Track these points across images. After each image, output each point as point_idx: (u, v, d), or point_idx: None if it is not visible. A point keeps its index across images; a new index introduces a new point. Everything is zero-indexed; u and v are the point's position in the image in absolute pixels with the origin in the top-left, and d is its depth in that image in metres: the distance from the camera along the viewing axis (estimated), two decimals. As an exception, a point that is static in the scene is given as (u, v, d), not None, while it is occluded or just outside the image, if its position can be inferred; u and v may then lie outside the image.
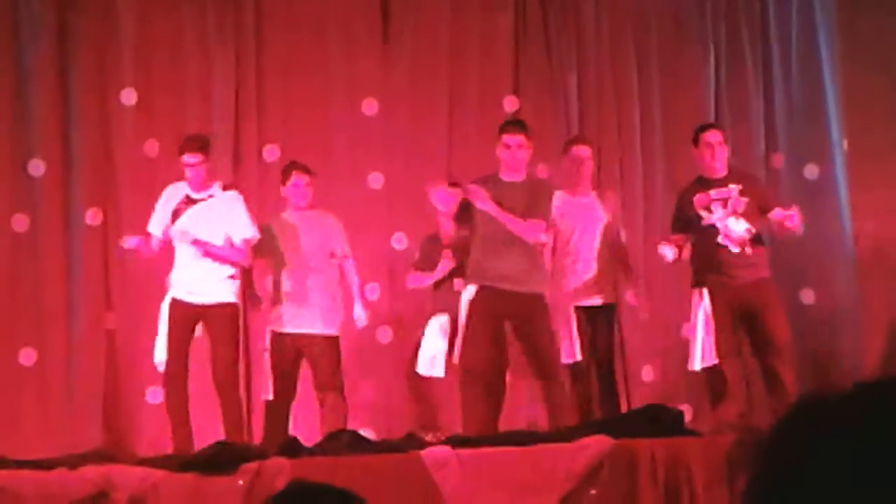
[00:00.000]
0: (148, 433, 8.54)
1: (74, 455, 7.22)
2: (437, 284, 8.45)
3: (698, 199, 7.85)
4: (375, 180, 9.28)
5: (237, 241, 7.82)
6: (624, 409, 8.67)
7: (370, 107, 9.33)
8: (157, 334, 7.83)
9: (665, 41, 9.75)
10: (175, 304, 7.77)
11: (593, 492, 6.62)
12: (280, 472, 6.32)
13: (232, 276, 7.84)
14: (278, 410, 7.97)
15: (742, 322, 7.82)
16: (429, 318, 8.56)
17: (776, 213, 7.93)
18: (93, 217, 8.84)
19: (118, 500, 6.32)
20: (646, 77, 9.69)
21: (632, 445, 6.73)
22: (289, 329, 7.99)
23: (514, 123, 7.97)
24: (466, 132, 9.44)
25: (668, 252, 7.93)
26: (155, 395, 8.57)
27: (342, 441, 7.11)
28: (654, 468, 6.66)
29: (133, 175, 8.84)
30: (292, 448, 6.88)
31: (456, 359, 7.67)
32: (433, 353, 8.32)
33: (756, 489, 1.26)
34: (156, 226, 7.86)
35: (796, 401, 1.31)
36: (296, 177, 8.09)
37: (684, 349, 9.17)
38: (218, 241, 7.77)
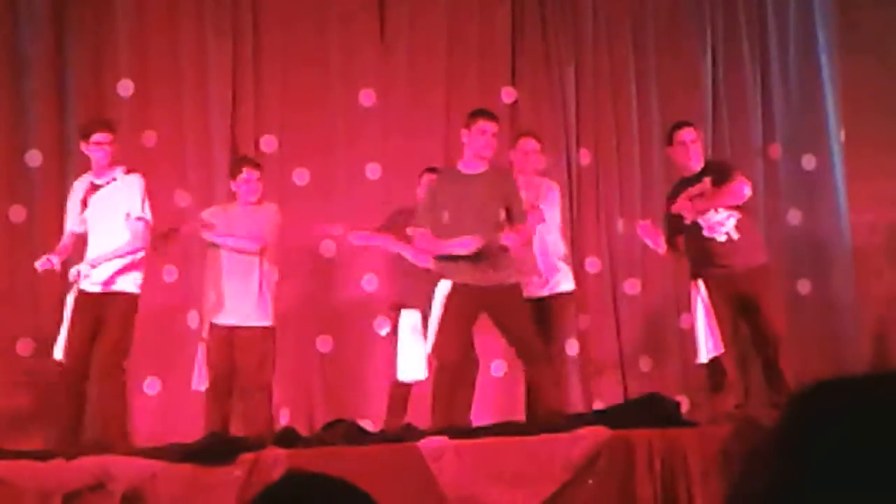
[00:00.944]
0: (145, 424, 8.54)
1: (72, 446, 7.22)
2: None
3: (677, 205, 7.89)
4: (373, 171, 9.28)
5: (130, 220, 7.66)
6: (620, 399, 8.69)
7: (368, 97, 9.33)
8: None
9: (662, 32, 9.75)
10: (80, 295, 7.56)
11: (590, 482, 6.63)
12: (277, 462, 6.33)
13: (131, 267, 7.64)
14: (216, 402, 7.86)
15: (739, 312, 7.84)
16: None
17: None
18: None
19: (115, 490, 6.31)
20: (643, 68, 9.70)
21: (629, 436, 6.73)
22: (223, 321, 7.87)
23: (487, 112, 7.90)
24: (464, 123, 9.43)
25: (656, 243, 7.93)
26: (152, 386, 8.58)
27: (339, 431, 7.12)
28: (651, 458, 6.66)
29: (130, 166, 8.81)
30: (289, 438, 6.88)
31: (428, 351, 7.60)
32: (413, 356, 8.11)
33: (765, 473, 1.26)
34: (72, 222, 7.72)
35: (808, 385, 1.30)
36: (247, 172, 7.98)
37: (681, 340, 9.20)
38: (119, 225, 7.60)
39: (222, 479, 6.36)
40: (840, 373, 1.31)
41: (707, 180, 7.91)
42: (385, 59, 9.42)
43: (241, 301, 7.83)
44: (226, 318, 7.83)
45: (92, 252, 7.61)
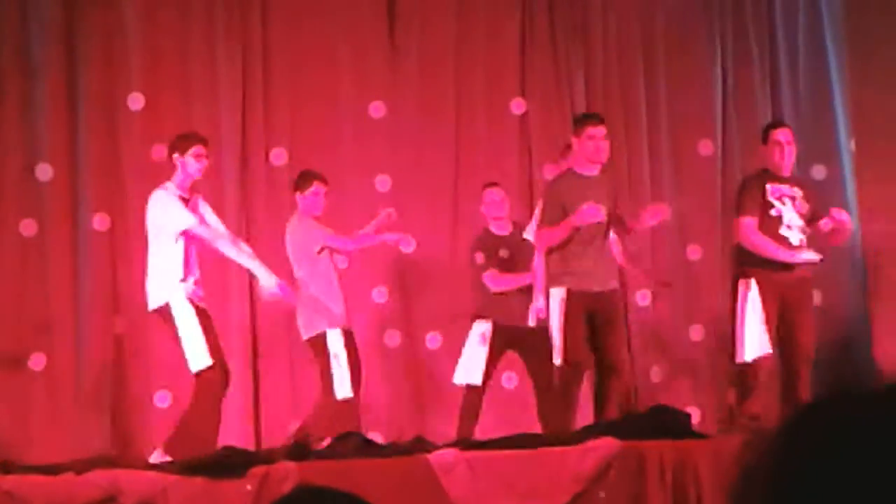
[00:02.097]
0: (157, 437, 8.54)
1: (82, 460, 7.23)
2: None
3: (773, 189, 7.84)
4: (382, 183, 9.29)
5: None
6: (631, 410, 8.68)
7: (377, 109, 9.34)
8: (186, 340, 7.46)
9: (672, 43, 9.74)
10: (197, 307, 7.52)
11: (602, 494, 6.61)
12: (287, 476, 6.32)
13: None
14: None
15: (779, 319, 7.81)
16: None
17: (825, 223, 7.94)
18: (100, 222, 8.85)
19: (126, 504, 6.32)
20: (653, 79, 9.69)
21: (640, 448, 6.72)
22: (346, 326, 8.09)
23: (594, 116, 7.96)
24: (473, 134, 9.45)
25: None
26: (163, 399, 8.58)
27: (350, 444, 7.11)
28: (662, 470, 6.65)
29: (140, 179, 8.84)
30: (299, 452, 6.88)
31: (558, 356, 7.63)
32: (471, 361, 8.28)
33: (763, 486, 1.26)
34: (188, 217, 7.54)
35: (812, 399, 1.30)
36: (316, 186, 8.13)
37: (693, 350, 9.19)
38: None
39: (233, 493, 6.36)
40: (849, 384, 1.31)
41: (800, 191, 7.87)
42: (395, 71, 9.43)
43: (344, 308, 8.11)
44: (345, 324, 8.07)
45: (193, 265, 7.54)
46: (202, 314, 7.49)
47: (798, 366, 7.75)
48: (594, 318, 7.63)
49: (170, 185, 7.64)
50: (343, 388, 7.89)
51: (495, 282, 8.37)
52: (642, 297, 9.44)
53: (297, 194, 8.18)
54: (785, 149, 7.89)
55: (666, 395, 8.95)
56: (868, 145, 9.55)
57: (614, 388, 7.69)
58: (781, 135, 7.96)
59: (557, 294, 7.59)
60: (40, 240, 8.75)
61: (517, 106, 9.52)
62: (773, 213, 7.80)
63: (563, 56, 9.63)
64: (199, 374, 7.41)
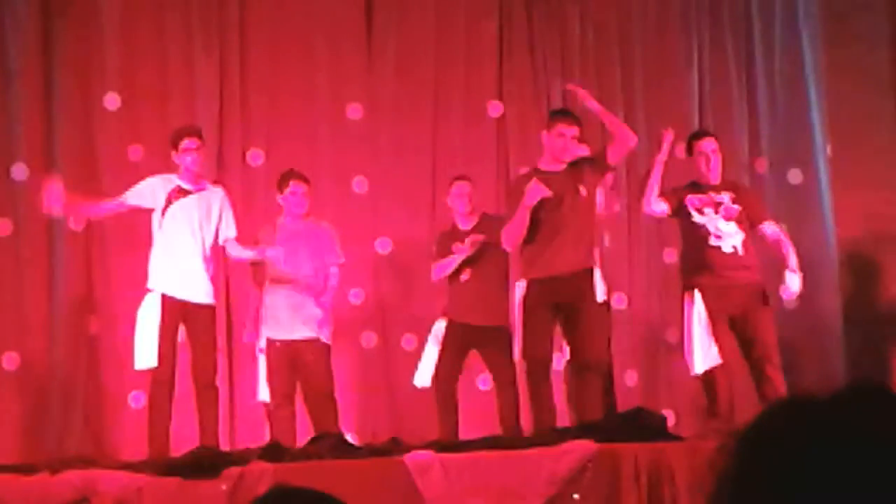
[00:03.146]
0: (131, 437, 8.52)
1: (57, 459, 7.21)
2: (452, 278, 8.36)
3: (690, 199, 7.83)
4: (360, 184, 9.29)
5: (223, 238, 7.83)
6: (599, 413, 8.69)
7: (355, 111, 9.34)
8: (139, 337, 7.59)
9: (649, 47, 9.77)
10: (168, 301, 7.58)
11: (576, 496, 6.62)
12: (263, 476, 6.32)
13: (213, 278, 7.83)
14: (285, 411, 7.98)
15: (731, 324, 7.79)
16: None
17: (766, 228, 7.94)
18: (76, 222, 8.82)
19: (100, 504, 6.30)
20: (630, 83, 9.71)
21: (615, 450, 6.72)
22: (284, 336, 7.97)
23: (567, 114, 7.92)
24: (451, 137, 9.45)
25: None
26: (138, 400, 8.55)
27: (325, 445, 7.10)
28: (638, 473, 6.65)
29: (116, 179, 8.81)
30: (275, 452, 6.87)
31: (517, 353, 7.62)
32: (424, 362, 8.23)
33: (728, 489, 1.27)
34: (136, 198, 7.71)
35: (775, 403, 1.31)
36: (293, 185, 8.09)
37: (668, 354, 9.20)
38: (210, 235, 7.74)
39: (208, 493, 6.35)
40: (823, 388, 1.31)
41: (728, 195, 7.85)
42: (372, 73, 9.43)
43: (306, 317, 7.97)
44: (289, 334, 7.96)
45: (175, 257, 7.60)
46: (174, 311, 7.52)
47: (763, 366, 7.72)
48: (560, 310, 7.51)
49: (170, 175, 7.79)
50: (262, 391, 8.02)
51: (435, 271, 8.34)
52: (618, 301, 9.46)
53: (278, 195, 8.17)
54: (710, 159, 7.88)
55: (642, 398, 8.97)
56: (844, 149, 9.58)
57: (591, 385, 7.60)
58: (706, 145, 7.95)
59: (519, 288, 7.57)
60: (15, 239, 8.72)
61: (494, 108, 9.52)
62: (696, 221, 7.81)
63: (540, 58, 9.64)
64: (149, 373, 7.55)
